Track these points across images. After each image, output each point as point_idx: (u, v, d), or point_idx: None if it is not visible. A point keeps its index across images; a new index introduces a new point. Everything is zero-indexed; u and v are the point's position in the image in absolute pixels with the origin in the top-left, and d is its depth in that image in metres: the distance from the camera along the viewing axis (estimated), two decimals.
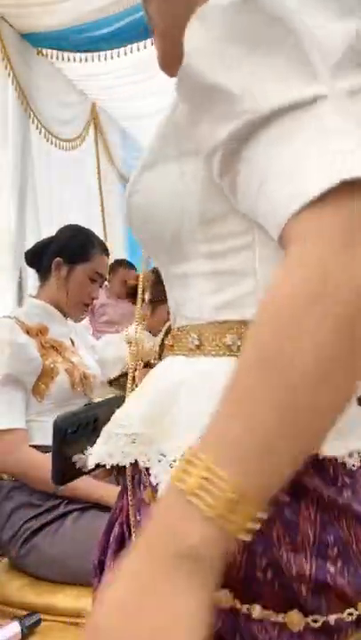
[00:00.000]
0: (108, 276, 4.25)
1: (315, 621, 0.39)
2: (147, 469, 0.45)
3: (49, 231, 3.27)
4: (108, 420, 0.52)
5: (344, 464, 0.41)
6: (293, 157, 0.34)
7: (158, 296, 1.78)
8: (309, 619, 0.39)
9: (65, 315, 1.46)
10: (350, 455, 0.42)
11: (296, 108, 0.35)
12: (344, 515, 0.40)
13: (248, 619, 0.39)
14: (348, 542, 0.40)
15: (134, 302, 2.15)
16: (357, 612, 0.40)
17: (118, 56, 3.00)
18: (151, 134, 0.51)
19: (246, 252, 0.45)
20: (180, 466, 0.34)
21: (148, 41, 2.89)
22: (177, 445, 0.42)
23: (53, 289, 1.44)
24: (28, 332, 1.33)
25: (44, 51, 3.22)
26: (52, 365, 1.32)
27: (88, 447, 0.58)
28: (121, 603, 0.31)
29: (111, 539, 0.53)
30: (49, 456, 1.27)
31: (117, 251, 4.48)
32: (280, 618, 0.39)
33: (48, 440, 1.33)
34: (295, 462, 0.33)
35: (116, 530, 0.53)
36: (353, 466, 0.42)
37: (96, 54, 3.05)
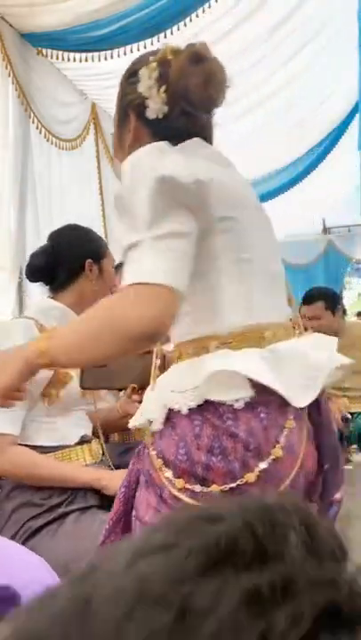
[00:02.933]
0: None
1: (224, 488, 0.76)
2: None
3: (49, 231, 3.27)
4: (118, 366, 1.12)
5: (232, 405, 0.78)
6: (129, 268, 0.78)
7: None
8: (221, 487, 0.77)
9: None
10: (237, 400, 0.78)
11: (132, 246, 0.78)
12: (224, 433, 0.77)
13: (191, 492, 0.79)
14: (225, 447, 0.77)
15: None
16: (231, 485, 0.76)
17: (118, 56, 3.00)
18: None
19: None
20: (38, 342, 0.85)
21: (148, 41, 2.89)
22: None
23: (79, 292, 1.43)
24: None
25: (44, 51, 3.22)
26: (65, 372, 1.32)
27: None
28: (2, 359, 0.90)
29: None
30: (45, 456, 1.29)
31: (118, 250, 4.47)
32: (206, 489, 0.77)
33: (53, 441, 1.35)
34: (65, 361, 0.88)
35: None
36: (238, 407, 0.78)
37: (96, 54, 3.05)
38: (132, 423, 0.90)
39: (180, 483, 0.79)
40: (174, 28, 2.76)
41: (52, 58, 3.27)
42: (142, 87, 0.92)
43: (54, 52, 3.20)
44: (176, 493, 0.80)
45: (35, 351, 0.82)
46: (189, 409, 0.80)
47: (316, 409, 0.83)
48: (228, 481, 0.76)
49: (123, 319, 0.76)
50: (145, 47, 2.91)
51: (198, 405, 0.80)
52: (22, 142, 3.12)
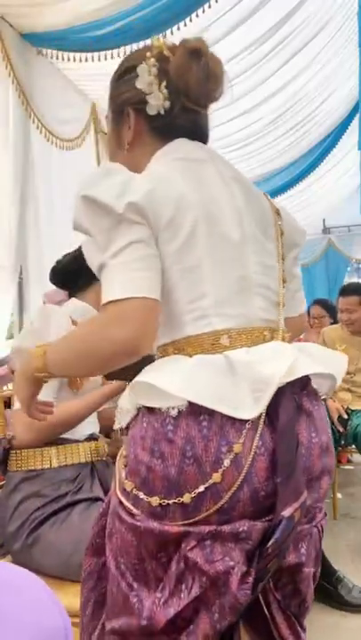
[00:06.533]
0: None
1: (162, 502, 0.77)
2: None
3: (49, 231, 3.29)
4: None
5: (168, 412, 0.78)
6: (103, 290, 0.80)
7: None
8: (160, 501, 0.77)
9: None
10: (172, 408, 0.78)
11: (100, 268, 0.81)
12: (163, 437, 0.78)
13: (134, 497, 0.81)
14: (163, 452, 0.77)
15: None
16: (168, 501, 0.77)
17: (118, 56, 2.99)
18: None
19: None
20: (38, 350, 0.88)
21: (148, 41, 2.89)
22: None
23: (97, 293, 1.51)
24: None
25: (44, 51, 3.22)
26: None
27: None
28: (16, 375, 0.99)
29: None
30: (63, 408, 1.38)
31: None
32: (148, 499, 0.78)
33: (66, 434, 1.41)
34: (61, 375, 1.01)
35: None
36: (173, 415, 0.78)
37: (96, 54, 3.04)
38: (117, 425, 0.91)
39: (129, 485, 0.81)
40: (174, 27, 2.76)
41: (52, 58, 3.27)
42: (142, 83, 0.92)
43: (54, 52, 3.20)
44: (120, 496, 0.83)
45: (34, 368, 0.88)
46: (141, 411, 0.83)
47: (275, 417, 0.79)
48: (165, 489, 0.77)
49: (97, 343, 0.78)
50: None
51: (148, 408, 0.82)
52: (22, 142, 3.12)
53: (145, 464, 0.79)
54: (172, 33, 2.76)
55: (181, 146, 0.94)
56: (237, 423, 0.76)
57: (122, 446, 0.91)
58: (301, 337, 4.19)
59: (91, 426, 1.48)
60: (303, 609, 0.87)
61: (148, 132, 0.96)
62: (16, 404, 1.36)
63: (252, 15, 3.19)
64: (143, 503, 0.79)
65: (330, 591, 2.00)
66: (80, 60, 3.14)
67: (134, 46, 2.92)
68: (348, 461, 3.55)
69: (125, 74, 0.97)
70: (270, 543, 0.74)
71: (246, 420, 0.77)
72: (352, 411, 2.83)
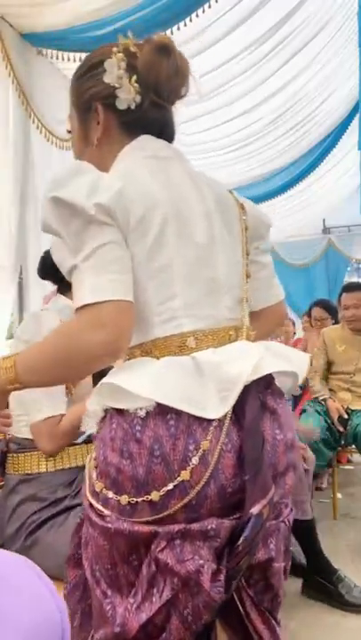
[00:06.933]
0: None
1: (131, 501, 0.77)
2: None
3: None
4: None
5: (136, 412, 0.78)
6: (74, 294, 0.79)
7: None
8: (129, 499, 0.77)
9: None
10: (141, 409, 0.78)
11: (71, 271, 0.80)
12: (132, 437, 0.78)
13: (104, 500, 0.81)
14: (131, 452, 0.77)
15: None
16: (151, 498, 0.76)
17: None
18: None
19: None
20: (6, 362, 0.83)
21: None
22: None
23: None
24: None
25: (44, 51, 3.22)
26: None
27: None
28: None
29: None
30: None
31: None
32: (117, 497, 0.78)
33: None
34: (36, 384, 0.88)
35: None
36: (141, 415, 0.78)
37: None
38: (84, 428, 0.90)
39: (99, 486, 0.81)
40: (174, 27, 2.76)
41: (52, 58, 3.27)
42: (110, 78, 0.91)
43: (54, 52, 3.20)
44: (90, 498, 0.83)
45: (6, 380, 0.83)
46: (109, 413, 0.83)
47: (241, 415, 0.80)
48: (134, 489, 0.77)
49: (75, 348, 0.77)
50: None
51: (116, 410, 0.81)
52: (22, 142, 3.12)
53: (114, 465, 0.79)
54: (172, 33, 2.76)
55: (148, 143, 0.94)
56: (205, 422, 0.77)
57: None
58: (302, 337, 4.19)
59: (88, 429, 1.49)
60: (276, 603, 0.87)
61: (117, 128, 0.94)
62: (37, 416, 1.35)
63: (252, 15, 3.19)
64: (113, 502, 0.79)
65: (330, 591, 2.00)
66: (80, 60, 3.13)
67: None
68: (349, 461, 3.55)
69: (91, 69, 0.96)
70: (240, 541, 0.75)
71: (213, 419, 0.77)
72: (352, 411, 2.83)
